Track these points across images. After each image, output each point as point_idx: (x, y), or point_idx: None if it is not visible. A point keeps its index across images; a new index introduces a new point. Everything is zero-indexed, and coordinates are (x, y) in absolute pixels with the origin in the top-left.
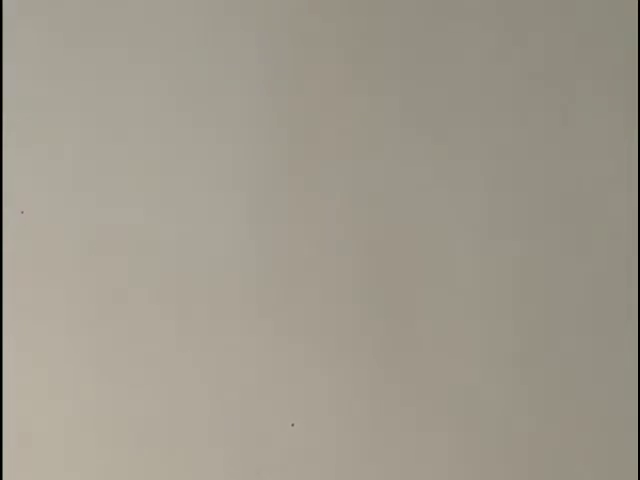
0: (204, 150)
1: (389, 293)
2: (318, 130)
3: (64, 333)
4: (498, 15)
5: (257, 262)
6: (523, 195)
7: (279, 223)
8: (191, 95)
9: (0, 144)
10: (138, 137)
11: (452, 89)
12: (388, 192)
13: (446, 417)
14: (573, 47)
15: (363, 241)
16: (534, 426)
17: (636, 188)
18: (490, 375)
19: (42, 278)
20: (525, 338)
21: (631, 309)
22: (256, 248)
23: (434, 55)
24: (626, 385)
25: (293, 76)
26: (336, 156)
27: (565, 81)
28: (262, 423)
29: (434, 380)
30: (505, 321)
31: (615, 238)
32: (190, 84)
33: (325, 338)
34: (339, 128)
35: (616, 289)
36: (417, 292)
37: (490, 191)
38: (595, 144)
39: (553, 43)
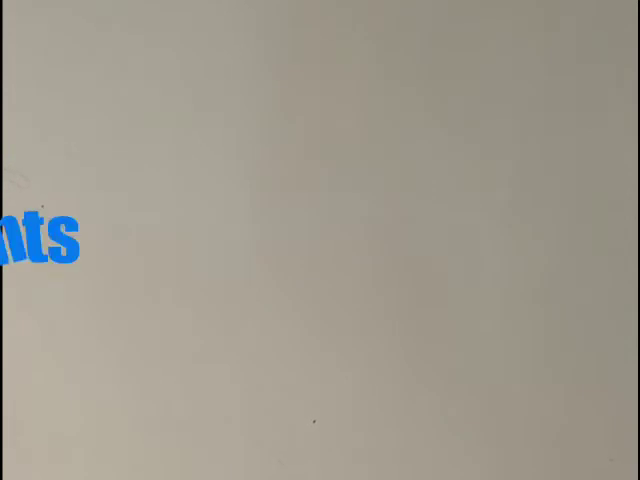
0: (203, 148)
1: (410, 286)
2: (320, 130)
3: (71, 332)
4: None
5: (267, 258)
6: (544, 197)
7: (281, 223)
8: (190, 96)
9: (0, 144)
10: (137, 137)
11: (469, 93)
12: (393, 191)
13: (478, 422)
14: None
15: (374, 238)
16: (562, 409)
17: (636, 188)
18: (515, 364)
19: (54, 278)
20: (548, 333)
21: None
22: (259, 247)
23: (451, 51)
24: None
25: (294, 75)
26: (338, 157)
27: (588, 79)
28: (283, 419)
29: (461, 373)
30: (528, 316)
31: (617, 238)
32: (189, 86)
33: (347, 331)
34: (345, 127)
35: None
36: (440, 286)
37: (510, 193)
38: (611, 144)
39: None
